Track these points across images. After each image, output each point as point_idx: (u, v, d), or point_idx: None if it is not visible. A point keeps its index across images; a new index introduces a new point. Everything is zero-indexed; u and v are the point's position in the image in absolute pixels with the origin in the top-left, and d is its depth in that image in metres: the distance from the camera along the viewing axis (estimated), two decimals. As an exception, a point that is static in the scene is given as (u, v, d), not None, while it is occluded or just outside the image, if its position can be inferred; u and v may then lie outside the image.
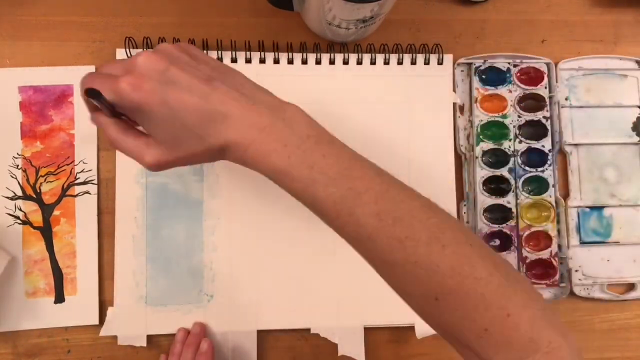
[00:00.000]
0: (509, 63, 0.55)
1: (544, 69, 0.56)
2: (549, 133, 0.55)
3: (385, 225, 0.33)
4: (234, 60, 0.53)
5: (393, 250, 0.33)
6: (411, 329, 0.52)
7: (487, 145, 0.54)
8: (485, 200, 0.54)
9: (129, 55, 0.51)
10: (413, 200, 0.34)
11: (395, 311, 0.52)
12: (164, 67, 0.33)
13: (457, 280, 0.32)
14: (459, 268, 0.32)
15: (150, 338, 0.50)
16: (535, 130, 0.55)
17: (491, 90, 0.55)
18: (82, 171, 0.51)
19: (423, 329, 0.51)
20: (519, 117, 0.55)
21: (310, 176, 0.33)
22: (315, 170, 0.33)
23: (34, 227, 0.51)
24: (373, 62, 0.54)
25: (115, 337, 0.50)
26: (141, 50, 0.51)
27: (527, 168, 0.54)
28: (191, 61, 0.35)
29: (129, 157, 0.50)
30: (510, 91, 0.55)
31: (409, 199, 0.34)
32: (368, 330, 0.52)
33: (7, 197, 0.50)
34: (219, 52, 0.52)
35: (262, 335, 0.51)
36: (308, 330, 0.52)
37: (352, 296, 0.52)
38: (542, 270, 0.54)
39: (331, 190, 0.33)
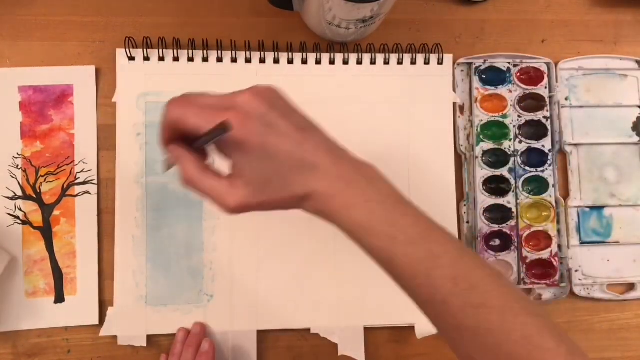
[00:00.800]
0: (509, 63, 0.55)
1: (544, 69, 0.56)
2: (549, 133, 0.55)
3: (461, 290, 0.33)
4: (234, 60, 0.53)
5: (466, 316, 0.33)
6: (411, 329, 0.52)
7: (487, 145, 0.54)
8: (485, 200, 0.54)
9: (129, 55, 0.51)
10: (484, 268, 0.35)
11: (395, 311, 0.52)
12: (265, 110, 0.33)
13: (528, 350, 0.33)
14: (530, 338, 0.33)
15: (150, 338, 0.50)
16: (535, 130, 0.55)
17: (491, 90, 0.55)
18: (82, 171, 0.51)
19: (423, 329, 0.51)
20: (519, 117, 0.55)
21: (390, 234, 0.34)
22: (396, 229, 0.34)
23: (34, 227, 0.51)
24: (373, 62, 0.54)
25: (115, 337, 0.50)
26: (141, 50, 0.52)
27: (527, 168, 0.54)
28: (286, 108, 0.35)
29: (129, 158, 0.51)
30: (510, 91, 0.55)
31: (482, 266, 0.35)
32: (368, 330, 0.52)
33: (7, 197, 0.50)
34: (219, 52, 0.52)
35: (262, 335, 0.51)
36: (308, 330, 0.52)
37: (352, 296, 0.52)
38: (542, 270, 0.54)
39: (410, 250, 0.34)
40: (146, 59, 0.52)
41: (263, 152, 0.33)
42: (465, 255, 0.35)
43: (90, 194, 0.51)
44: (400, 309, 0.52)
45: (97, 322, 0.50)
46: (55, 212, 0.51)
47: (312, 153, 0.34)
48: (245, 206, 0.34)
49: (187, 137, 0.34)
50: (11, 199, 0.50)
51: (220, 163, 0.35)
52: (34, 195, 0.51)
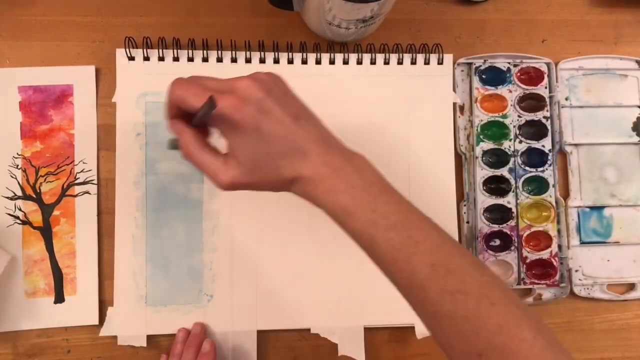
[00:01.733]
0: (509, 63, 0.55)
1: (544, 69, 0.56)
2: (549, 133, 0.55)
3: (439, 276, 0.34)
4: (234, 60, 0.53)
5: (444, 302, 0.34)
6: (411, 329, 0.52)
7: (487, 145, 0.54)
8: (485, 200, 0.54)
9: (129, 55, 0.51)
10: (465, 257, 0.36)
11: (395, 311, 0.52)
12: (262, 96, 0.35)
13: (503, 340, 0.33)
14: (506, 327, 0.33)
15: (150, 338, 0.50)
16: (536, 130, 0.55)
17: (491, 90, 0.55)
18: (82, 171, 0.51)
19: (423, 329, 0.51)
20: (519, 117, 0.55)
21: (372, 219, 0.35)
22: (378, 214, 0.35)
23: (34, 227, 0.51)
24: (373, 62, 0.54)
25: (115, 337, 0.50)
26: (141, 50, 0.51)
27: (527, 168, 0.54)
28: (283, 96, 0.37)
29: (129, 158, 0.51)
30: (511, 91, 0.55)
31: (461, 255, 0.36)
32: (368, 330, 0.52)
33: (7, 197, 0.50)
34: (219, 52, 0.52)
35: (262, 335, 0.51)
36: (308, 330, 0.52)
37: (352, 296, 0.52)
38: (542, 270, 0.54)
39: (391, 235, 0.35)
40: (146, 59, 0.52)
41: (257, 136, 0.35)
42: (446, 243, 0.36)
43: (90, 194, 0.51)
44: (400, 309, 0.52)
45: (97, 322, 0.50)
46: (55, 212, 0.51)
47: (304, 140, 0.36)
48: (236, 184, 0.36)
49: (189, 115, 0.36)
50: (11, 199, 0.50)
51: (219, 142, 0.37)
52: (34, 195, 0.51)
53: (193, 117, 0.36)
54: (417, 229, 0.36)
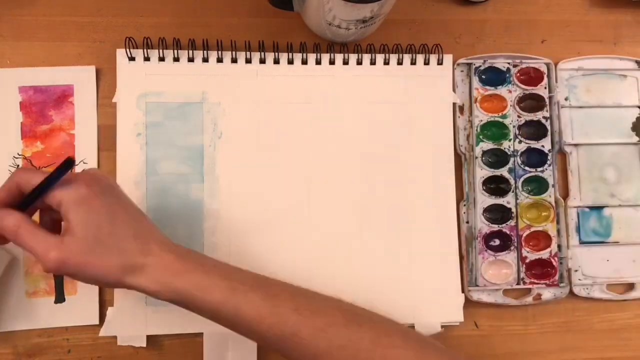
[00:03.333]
0: (508, 63, 0.55)
1: (544, 69, 0.56)
2: (549, 133, 0.55)
3: (305, 318, 0.37)
4: (234, 60, 0.53)
5: (319, 340, 0.36)
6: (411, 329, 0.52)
7: (486, 145, 0.54)
8: (485, 200, 0.54)
9: (129, 55, 0.52)
10: (322, 295, 0.41)
11: (395, 311, 0.52)
12: (113, 183, 0.40)
13: (380, 353, 0.36)
14: (378, 340, 0.36)
15: (150, 338, 0.50)
16: (535, 130, 0.55)
17: (491, 90, 0.55)
18: (82, 171, 0.51)
19: (423, 329, 0.51)
20: (519, 117, 0.55)
21: (230, 286, 0.38)
22: (235, 281, 0.38)
23: (35, 227, 0.51)
24: (373, 62, 0.54)
25: (115, 337, 0.50)
26: (142, 50, 0.52)
27: (526, 168, 0.54)
28: (125, 195, 0.41)
29: (129, 158, 0.51)
30: (510, 91, 0.55)
31: (318, 294, 0.40)
32: (368, 330, 0.52)
33: (8, 197, 0.50)
34: (219, 52, 0.52)
35: (262, 335, 0.51)
36: (308, 330, 0.52)
37: (352, 296, 0.52)
38: (542, 270, 0.54)
39: (251, 296, 0.38)
40: (146, 59, 0.52)
41: (105, 212, 0.37)
42: (300, 290, 0.40)
43: (90, 194, 0.51)
44: (400, 309, 0.52)
45: (97, 322, 0.50)
46: (56, 212, 0.51)
47: (149, 231, 0.39)
48: (67, 263, 0.35)
49: (23, 202, 0.37)
50: (11, 199, 0.50)
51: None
52: (35, 195, 0.51)
53: (26, 202, 0.36)
54: (270, 285, 0.39)
